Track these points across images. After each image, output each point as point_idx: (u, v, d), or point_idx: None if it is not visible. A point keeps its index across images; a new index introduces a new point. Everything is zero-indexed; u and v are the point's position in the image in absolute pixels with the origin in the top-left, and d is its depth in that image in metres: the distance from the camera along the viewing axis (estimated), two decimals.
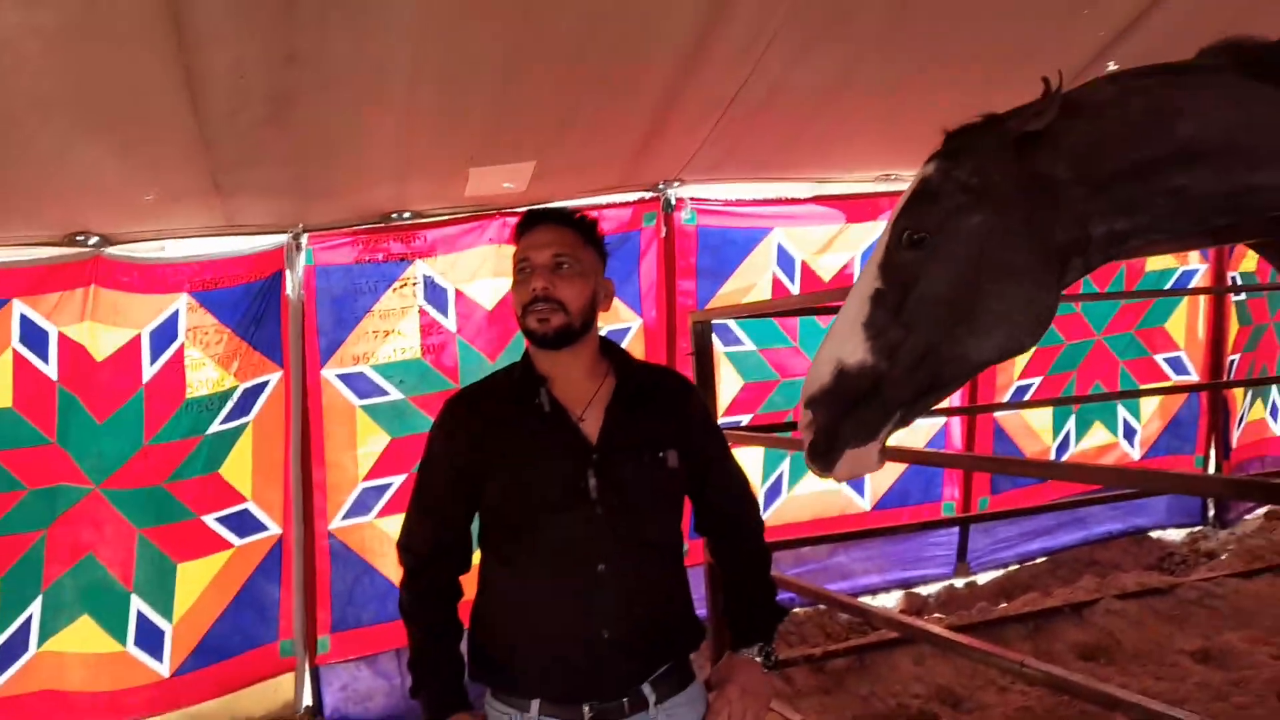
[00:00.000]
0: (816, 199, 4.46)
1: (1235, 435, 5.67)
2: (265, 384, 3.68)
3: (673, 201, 4.16)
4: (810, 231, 4.50)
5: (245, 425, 3.63)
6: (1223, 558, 5.17)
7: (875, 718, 3.64)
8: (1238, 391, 5.59)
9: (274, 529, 3.68)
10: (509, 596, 1.72)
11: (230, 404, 3.58)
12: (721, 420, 4.42)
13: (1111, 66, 3.46)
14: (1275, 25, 2.00)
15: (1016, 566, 5.16)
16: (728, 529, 1.92)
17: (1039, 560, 5.21)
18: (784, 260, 4.46)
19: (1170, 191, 1.55)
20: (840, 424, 1.58)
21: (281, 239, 3.66)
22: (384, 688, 3.79)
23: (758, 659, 1.80)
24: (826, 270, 4.57)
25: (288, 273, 3.68)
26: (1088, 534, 5.33)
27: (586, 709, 1.64)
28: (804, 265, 4.51)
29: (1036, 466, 4.66)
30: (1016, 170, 1.57)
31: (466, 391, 1.86)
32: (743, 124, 3.48)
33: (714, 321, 4.32)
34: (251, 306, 3.61)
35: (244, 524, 3.64)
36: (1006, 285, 1.56)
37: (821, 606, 4.68)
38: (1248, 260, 5.40)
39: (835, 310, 4.85)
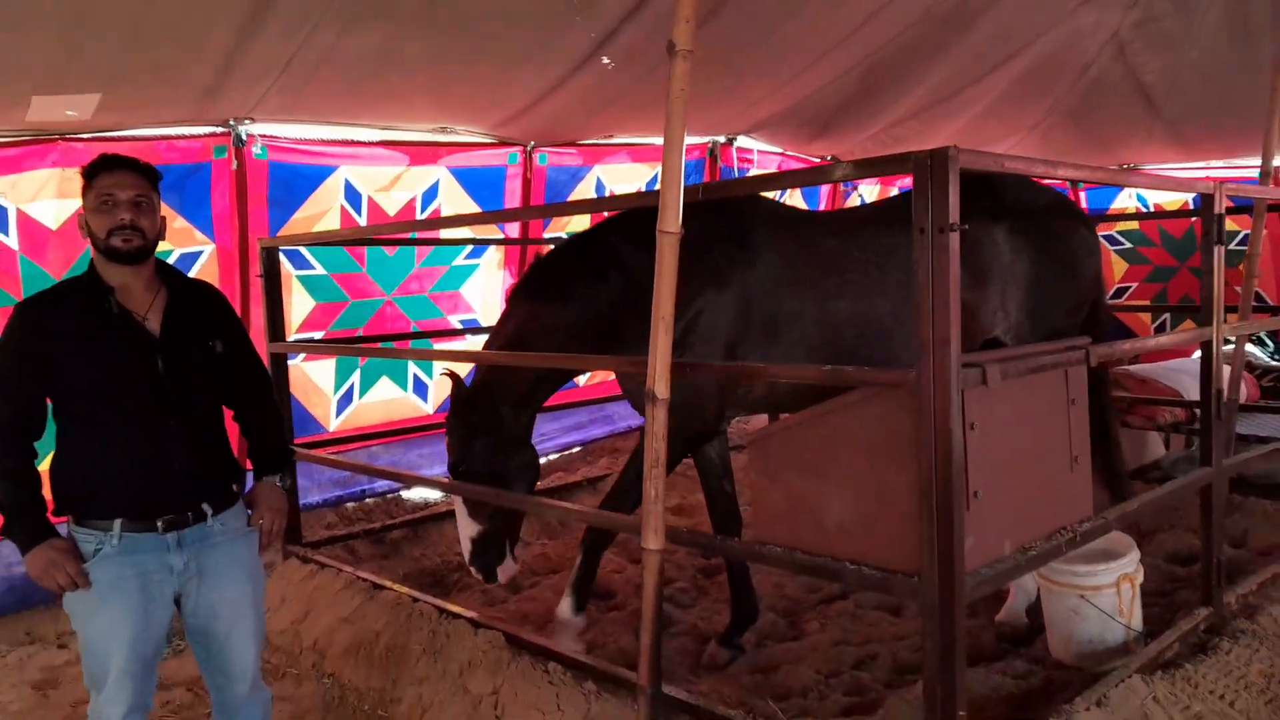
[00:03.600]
0: (382, 143, 5.10)
1: None
2: None
3: (244, 137, 4.58)
4: (376, 171, 5.14)
5: None
6: None
7: (423, 572, 4.51)
8: None
9: None
10: (94, 448, 2.26)
11: None
12: (295, 336, 4.99)
13: (605, 60, 4.49)
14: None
15: (556, 455, 6.33)
16: (253, 395, 2.61)
17: (574, 450, 6.43)
18: (351, 195, 5.07)
19: None
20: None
21: None
22: None
23: (278, 484, 2.54)
24: (392, 205, 5.26)
25: None
26: (613, 428, 6.66)
27: (160, 523, 2.27)
28: (370, 200, 5.15)
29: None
30: None
31: (38, 298, 2.34)
32: (303, 80, 4.01)
33: (286, 248, 4.86)
34: None
35: None
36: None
37: (388, 495, 5.49)
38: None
39: (400, 242, 5.53)
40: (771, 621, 3.67)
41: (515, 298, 3.45)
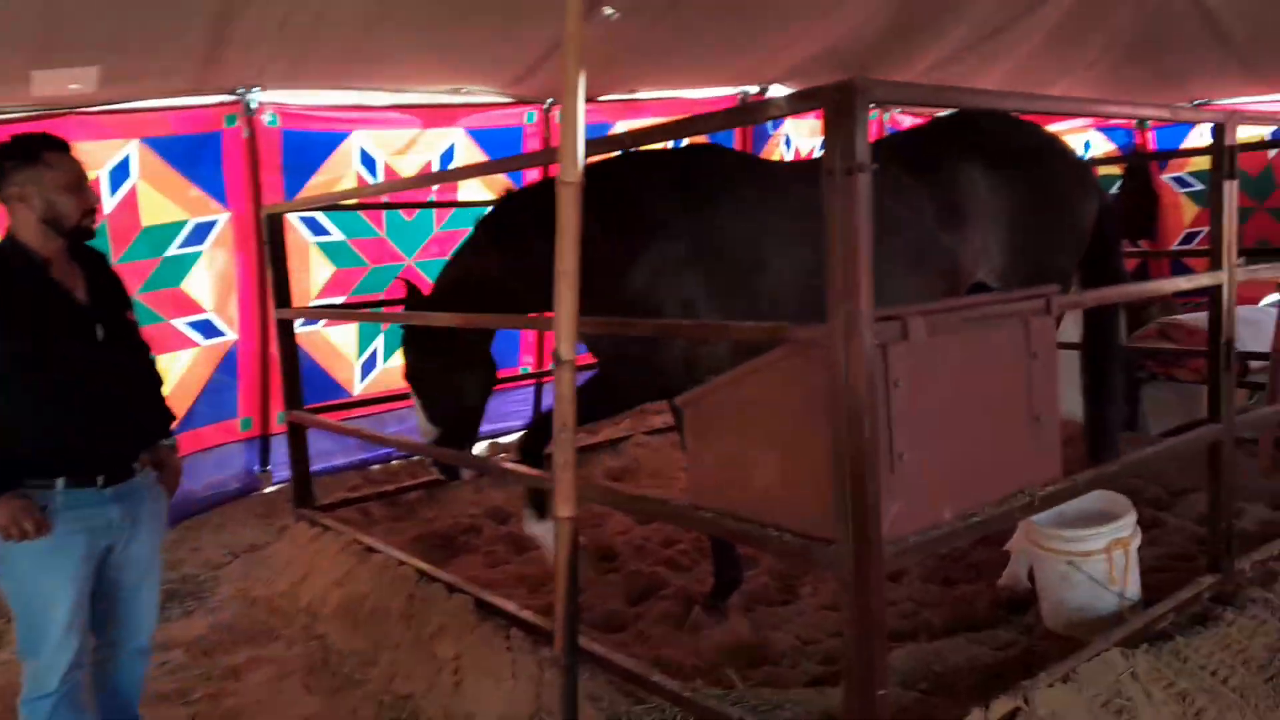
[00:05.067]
0: (395, 107, 5.09)
1: None
2: None
3: (254, 105, 4.62)
4: (391, 135, 5.14)
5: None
6: None
7: (434, 534, 4.52)
8: None
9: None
10: (36, 413, 2.28)
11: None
12: (315, 301, 5.05)
13: (607, 11, 4.33)
14: None
15: None
16: (147, 360, 2.61)
17: None
18: (366, 160, 5.07)
19: None
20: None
21: None
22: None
23: (172, 445, 2.62)
24: (409, 168, 5.25)
25: None
26: None
27: (100, 479, 2.32)
28: (386, 165, 5.15)
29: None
30: None
31: None
32: (300, 43, 4.01)
33: (304, 214, 4.90)
34: None
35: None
36: None
37: (414, 459, 5.53)
38: None
39: (412, 205, 5.44)
40: (764, 585, 3.57)
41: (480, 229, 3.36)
